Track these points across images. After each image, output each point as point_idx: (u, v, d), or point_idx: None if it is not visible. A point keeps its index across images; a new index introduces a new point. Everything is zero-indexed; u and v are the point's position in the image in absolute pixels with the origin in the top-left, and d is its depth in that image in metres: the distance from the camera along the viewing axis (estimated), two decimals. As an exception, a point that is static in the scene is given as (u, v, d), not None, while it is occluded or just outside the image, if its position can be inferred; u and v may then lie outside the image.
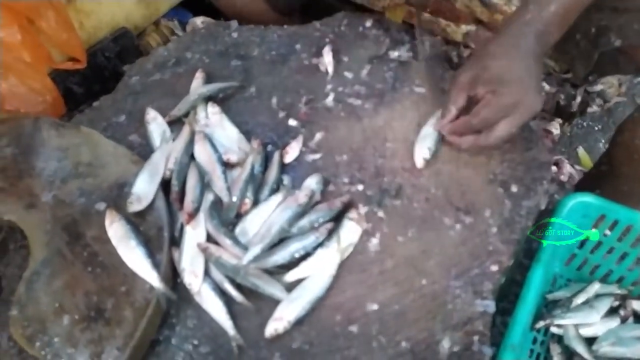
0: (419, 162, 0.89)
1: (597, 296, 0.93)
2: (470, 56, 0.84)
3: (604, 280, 0.99)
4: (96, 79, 1.19)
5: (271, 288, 0.77)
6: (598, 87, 1.36)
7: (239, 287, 0.79)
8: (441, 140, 0.91)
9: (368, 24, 1.15)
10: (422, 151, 0.90)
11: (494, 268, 0.81)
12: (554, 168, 1.43)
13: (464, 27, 1.27)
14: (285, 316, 0.76)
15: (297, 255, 0.80)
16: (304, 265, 0.80)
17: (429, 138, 0.91)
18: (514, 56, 0.78)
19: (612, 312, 0.93)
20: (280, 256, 0.79)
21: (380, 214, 0.86)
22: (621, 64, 0.92)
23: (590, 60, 0.87)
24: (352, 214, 0.85)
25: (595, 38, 0.84)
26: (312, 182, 0.88)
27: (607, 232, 0.93)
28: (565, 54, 0.94)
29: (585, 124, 1.68)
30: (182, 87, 1.04)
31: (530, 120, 0.84)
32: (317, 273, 0.80)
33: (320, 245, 0.81)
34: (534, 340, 0.93)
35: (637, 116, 0.93)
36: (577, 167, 1.48)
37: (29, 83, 1.06)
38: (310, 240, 0.81)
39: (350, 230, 0.83)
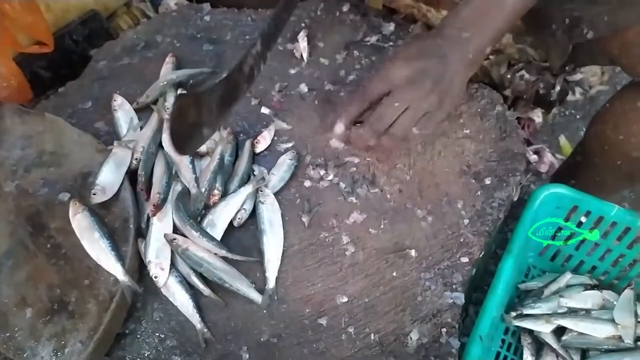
0: None
1: (569, 286, 0.93)
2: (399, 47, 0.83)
3: (576, 270, 0.99)
4: (64, 63, 1.15)
5: (237, 283, 0.76)
6: (578, 76, 1.35)
7: (206, 279, 0.78)
8: None
9: (345, 8, 1.13)
10: None
11: (465, 260, 0.80)
12: (534, 157, 1.43)
13: (445, 12, 1.24)
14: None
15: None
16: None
17: None
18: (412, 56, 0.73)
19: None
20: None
21: (353, 205, 0.85)
22: (596, 55, 0.91)
23: (565, 51, 0.86)
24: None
25: (569, 29, 0.83)
26: (286, 158, 0.88)
27: (583, 219, 0.93)
28: (542, 43, 0.93)
29: (567, 112, 1.68)
30: (152, 73, 1.01)
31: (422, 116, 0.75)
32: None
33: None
34: (506, 331, 0.94)
35: (609, 107, 0.92)
36: (558, 156, 1.48)
37: (-7, 67, 1.03)
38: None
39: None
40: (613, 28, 0.81)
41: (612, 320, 0.86)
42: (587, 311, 0.88)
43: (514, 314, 0.90)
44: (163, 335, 0.77)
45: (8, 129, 0.91)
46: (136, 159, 0.86)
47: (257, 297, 0.77)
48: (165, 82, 0.96)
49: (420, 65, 0.72)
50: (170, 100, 0.96)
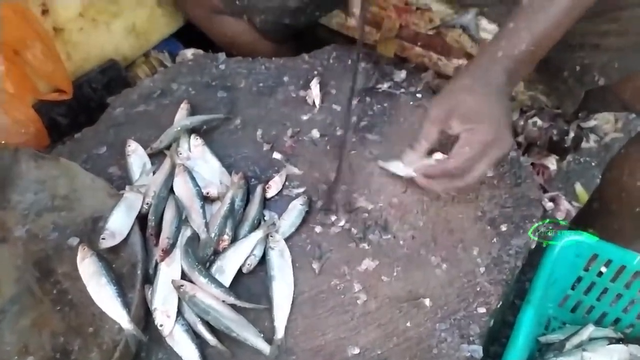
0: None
1: (592, 339, 0.89)
2: (442, 89, 0.82)
3: (599, 322, 0.95)
4: (82, 110, 1.18)
5: (245, 332, 0.73)
6: (592, 123, 1.34)
7: (213, 328, 0.75)
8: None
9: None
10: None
11: (482, 310, 0.77)
12: (550, 204, 1.40)
13: (455, 61, 1.26)
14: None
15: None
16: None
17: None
18: (487, 92, 0.76)
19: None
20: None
21: (364, 252, 0.83)
22: (608, 102, 0.91)
23: (578, 98, 0.86)
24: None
25: (580, 76, 0.83)
26: (297, 204, 0.87)
27: (603, 269, 0.90)
28: (554, 90, 0.93)
29: (582, 159, 1.66)
30: (167, 119, 1.02)
31: (502, 160, 0.81)
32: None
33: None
34: (527, 387, 0.89)
35: (624, 153, 0.90)
36: (575, 204, 1.45)
37: (13, 114, 1.05)
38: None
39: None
40: (624, 74, 0.81)
41: (642, 378, 0.81)
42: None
43: (534, 369, 0.86)
44: (167, 387, 0.74)
45: (23, 173, 0.92)
46: (147, 203, 0.85)
47: (264, 347, 0.74)
48: (179, 128, 0.98)
49: (486, 113, 0.75)
50: (183, 145, 0.97)
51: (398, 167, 0.86)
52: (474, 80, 0.77)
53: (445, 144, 0.79)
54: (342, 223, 0.87)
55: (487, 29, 1.24)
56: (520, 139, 1.28)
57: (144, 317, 0.78)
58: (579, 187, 1.56)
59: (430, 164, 0.80)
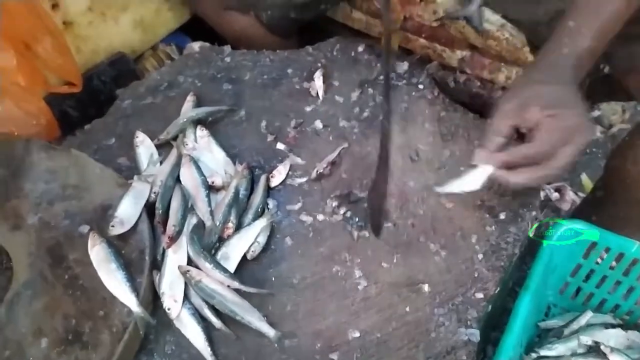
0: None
1: (590, 325, 0.90)
2: (511, 87, 0.80)
3: (599, 309, 0.96)
4: (92, 103, 1.20)
5: (249, 316, 0.76)
6: (596, 113, 1.34)
7: (218, 312, 0.78)
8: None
9: (360, 48, 1.16)
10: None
11: (479, 295, 0.79)
12: (556, 195, 1.41)
13: (459, 53, 1.27)
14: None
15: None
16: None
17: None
18: (562, 83, 0.75)
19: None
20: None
21: (365, 239, 0.85)
22: (613, 91, 0.91)
23: (582, 87, 0.86)
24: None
25: None
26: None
27: (604, 254, 0.91)
28: None
29: (588, 150, 1.66)
30: (173, 111, 1.04)
31: (585, 147, 0.73)
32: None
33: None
34: (526, 372, 0.90)
35: (628, 141, 0.91)
36: (580, 194, 1.45)
37: (24, 106, 1.08)
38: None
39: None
40: (629, 63, 0.81)
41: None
42: (612, 349, 0.84)
43: (534, 355, 0.87)
44: (174, 369, 0.76)
45: (34, 163, 0.95)
46: (154, 192, 0.88)
47: (268, 330, 0.76)
48: (185, 120, 1.00)
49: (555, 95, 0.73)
50: (190, 136, 0.99)
51: (463, 183, 0.78)
52: (545, 75, 0.76)
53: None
54: (343, 211, 0.89)
55: (491, 20, 1.24)
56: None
57: (152, 302, 0.81)
58: (584, 178, 1.56)
59: (510, 152, 0.74)
